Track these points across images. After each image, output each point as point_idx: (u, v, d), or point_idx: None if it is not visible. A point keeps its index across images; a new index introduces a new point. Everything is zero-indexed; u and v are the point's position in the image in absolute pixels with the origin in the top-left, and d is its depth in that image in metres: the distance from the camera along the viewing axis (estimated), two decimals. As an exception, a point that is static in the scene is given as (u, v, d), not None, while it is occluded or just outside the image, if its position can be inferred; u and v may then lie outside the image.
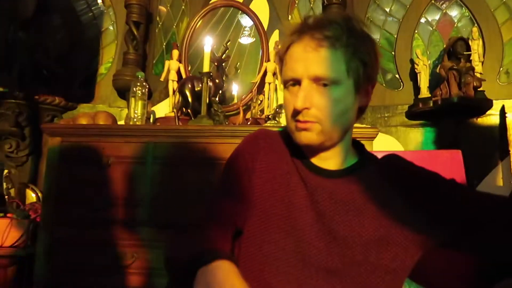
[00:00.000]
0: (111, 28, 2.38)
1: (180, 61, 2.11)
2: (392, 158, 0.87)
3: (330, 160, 0.83)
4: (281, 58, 0.83)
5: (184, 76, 2.08)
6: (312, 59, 0.76)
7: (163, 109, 2.19)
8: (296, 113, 0.77)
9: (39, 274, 1.55)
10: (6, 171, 1.95)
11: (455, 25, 2.27)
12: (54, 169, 1.63)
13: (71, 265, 1.56)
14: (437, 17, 2.30)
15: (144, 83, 1.75)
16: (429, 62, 2.16)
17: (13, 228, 1.55)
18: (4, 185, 1.87)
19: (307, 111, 0.76)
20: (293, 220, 0.78)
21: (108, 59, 2.34)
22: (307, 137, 0.78)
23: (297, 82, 0.78)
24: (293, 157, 0.86)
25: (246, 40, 2.32)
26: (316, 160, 0.84)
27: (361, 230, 0.76)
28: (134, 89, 1.74)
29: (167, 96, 2.20)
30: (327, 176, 0.82)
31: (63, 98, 2.12)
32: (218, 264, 0.65)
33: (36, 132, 2.07)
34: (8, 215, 1.65)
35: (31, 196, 1.97)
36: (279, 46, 0.86)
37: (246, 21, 2.33)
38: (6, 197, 1.80)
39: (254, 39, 2.29)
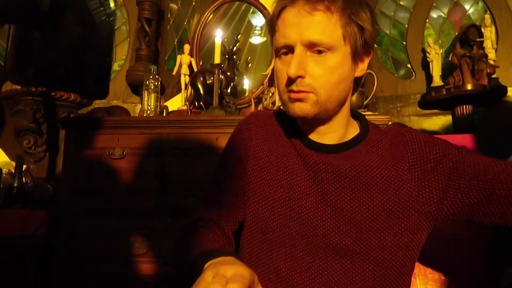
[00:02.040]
0: (123, 26, 2.43)
1: (191, 56, 2.14)
2: (397, 127, 0.82)
3: (330, 135, 0.79)
4: (272, 25, 0.77)
5: (196, 70, 2.11)
6: (306, 24, 0.71)
7: (176, 104, 2.22)
8: (289, 82, 0.73)
9: (57, 263, 1.59)
10: (25, 166, 2.00)
11: (467, 13, 2.25)
12: (70, 161, 1.67)
13: (87, 254, 1.59)
14: (448, 6, 2.28)
15: (156, 76, 1.78)
16: (441, 51, 2.14)
17: (32, 219, 1.59)
18: (23, 179, 1.91)
19: (301, 80, 0.72)
20: (295, 203, 0.75)
21: (121, 56, 2.38)
22: (301, 108, 0.73)
23: (289, 49, 0.73)
24: (290, 137, 0.82)
25: (257, 39, 2.33)
26: (314, 136, 0.80)
27: (370, 205, 0.73)
28: (147, 82, 1.77)
29: (179, 91, 2.23)
30: (328, 151, 0.78)
31: (78, 95, 2.17)
32: (224, 258, 0.63)
33: (53, 128, 2.12)
34: (28, 207, 1.69)
35: (49, 190, 2.01)
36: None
37: (256, 20, 2.35)
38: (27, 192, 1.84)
39: (266, 38, 2.30)
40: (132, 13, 2.37)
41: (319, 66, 0.72)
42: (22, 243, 1.56)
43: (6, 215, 1.59)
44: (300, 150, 0.79)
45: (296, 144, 0.80)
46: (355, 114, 0.85)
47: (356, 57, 0.75)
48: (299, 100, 0.73)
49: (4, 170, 1.89)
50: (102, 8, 2.43)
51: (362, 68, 0.78)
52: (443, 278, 1.08)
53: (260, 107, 2.07)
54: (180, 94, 2.22)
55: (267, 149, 0.82)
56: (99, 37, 2.39)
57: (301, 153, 0.79)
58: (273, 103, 2.06)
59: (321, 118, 0.77)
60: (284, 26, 0.73)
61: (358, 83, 0.82)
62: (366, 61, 0.79)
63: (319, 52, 0.72)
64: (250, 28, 2.34)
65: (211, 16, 2.30)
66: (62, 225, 1.63)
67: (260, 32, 2.34)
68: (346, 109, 0.80)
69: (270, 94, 2.07)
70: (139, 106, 2.23)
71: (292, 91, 0.73)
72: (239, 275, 0.51)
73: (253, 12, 2.33)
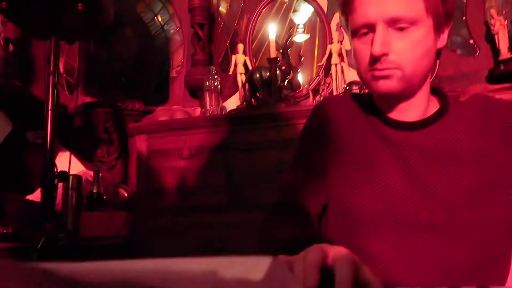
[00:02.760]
0: (177, 34, 2.52)
1: (245, 55, 2.18)
2: (479, 98, 0.80)
3: (411, 111, 0.78)
4: (346, 6, 0.76)
5: (250, 68, 2.14)
6: (387, 0, 0.70)
7: (233, 103, 2.27)
8: (372, 61, 0.71)
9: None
10: (101, 174, 2.14)
11: (532, -21, 2.10)
12: (143, 164, 1.77)
13: (165, 250, 1.67)
14: (510, -27, 2.14)
15: (216, 76, 1.84)
16: (506, 22, 2.01)
17: (113, 220, 1.70)
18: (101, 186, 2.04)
19: (385, 57, 0.70)
20: (378, 182, 0.74)
21: (178, 63, 2.48)
22: (386, 85, 0.72)
23: (370, 28, 0.72)
24: (368, 118, 0.81)
25: (300, 37, 2.31)
26: (394, 114, 0.79)
27: (460, 180, 0.70)
28: (207, 83, 1.83)
29: (235, 91, 2.28)
30: (410, 129, 0.76)
31: (142, 103, 2.28)
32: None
33: (122, 136, 2.25)
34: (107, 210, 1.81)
35: (124, 194, 2.14)
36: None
37: (298, 19, 2.35)
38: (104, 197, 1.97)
39: (309, 35, 2.28)
40: (184, 20, 2.47)
41: (403, 41, 0.71)
42: (107, 243, 1.66)
43: (91, 218, 1.71)
44: (379, 130, 0.79)
45: (375, 123, 0.80)
46: (433, 89, 0.83)
47: (438, 28, 0.74)
48: (384, 77, 0.72)
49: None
50: (156, 19, 2.55)
51: (443, 39, 0.77)
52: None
53: (318, 98, 2.07)
54: (236, 94, 2.26)
55: (345, 131, 0.82)
56: (156, 47, 2.50)
57: (381, 132, 0.78)
58: (330, 93, 2.04)
59: (405, 94, 0.76)
60: (362, 5, 0.72)
61: (439, 55, 0.80)
62: (446, 31, 0.77)
63: (401, 29, 0.71)
64: (291, 27, 2.34)
65: (263, 11, 2.34)
66: (139, 224, 1.72)
67: (303, 29, 2.34)
68: (427, 84, 0.79)
69: (327, 85, 2.06)
70: (198, 109, 2.30)
71: (376, 69, 0.72)
72: (343, 252, 0.51)
73: (295, 11, 2.34)
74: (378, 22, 0.70)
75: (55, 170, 1.52)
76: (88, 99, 2.24)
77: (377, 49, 0.69)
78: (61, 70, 2.51)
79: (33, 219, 1.85)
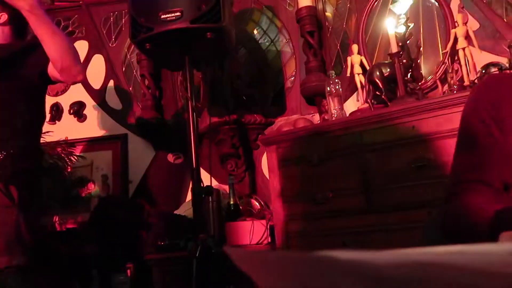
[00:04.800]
0: (286, 47, 2.60)
1: (360, 54, 2.15)
2: None
3: None
4: None
5: (368, 67, 2.10)
6: None
7: (351, 105, 2.24)
8: None
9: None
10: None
11: None
12: (276, 173, 1.84)
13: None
14: None
15: (336, 80, 1.84)
16: None
17: (255, 228, 1.80)
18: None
19: None
20: None
21: (291, 73, 2.54)
22: None
23: None
24: None
25: (403, 28, 2.17)
26: None
27: None
28: (328, 88, 1.85)
29: (352, 92, 2.26)
30: None
31: (262, 116, 2.39)
32: None
33: (248, 150, 2.38)
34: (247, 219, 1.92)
35: (256, 204, 2.25)
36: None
37: (398, 9, 2.22)
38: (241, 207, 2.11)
39: (413, 24, 2.13)
40: (293, 31, 2.53)
41: None
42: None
43: (235, 227, 1.83)
44: None
45: None
46: None
47: None
48: None
49: (218, 192, 2.19)
50: (265, 34, 2.66)
51: None
52: None
53: (445, 87, 1.93)
54: (353, 96, 2.24)
55: None
56: (268, 61, 2.61)
57: None
58: (460, 80, 1.89)
59: None
60: None
61: None
62: None
63: None
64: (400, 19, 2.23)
65: (372, 7, 2.28)
66: (280, 231, 1.79)
67: (404, 20, 2.20)
68: None
69: (456, 71, 1.91)
70: (317, 115, 2.33)
71: None
72: None
73: (393, 2, 2.23)
74: None
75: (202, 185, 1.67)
76: (214, 119, 2.43)
77: None
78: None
79: (181, 231, 2.06)
